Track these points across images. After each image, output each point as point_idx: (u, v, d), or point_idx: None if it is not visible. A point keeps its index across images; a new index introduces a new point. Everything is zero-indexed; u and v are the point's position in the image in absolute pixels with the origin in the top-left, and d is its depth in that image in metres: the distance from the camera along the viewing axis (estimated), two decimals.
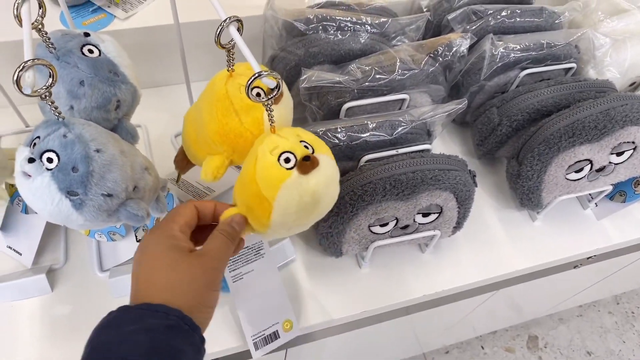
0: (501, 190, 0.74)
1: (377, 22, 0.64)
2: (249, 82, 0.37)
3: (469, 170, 0.60)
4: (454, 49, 0.62)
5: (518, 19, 0.70)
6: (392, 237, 0.60)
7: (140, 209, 0.43)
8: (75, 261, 0.60)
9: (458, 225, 0.62)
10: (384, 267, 0.64)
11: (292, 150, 0.39)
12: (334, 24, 0.62)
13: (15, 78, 0.33)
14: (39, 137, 0.39)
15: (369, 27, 0.63)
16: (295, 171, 0.39)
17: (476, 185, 0.61)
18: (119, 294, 0.58)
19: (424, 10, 0.72)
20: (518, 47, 0.67)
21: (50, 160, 0.38)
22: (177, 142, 0.70)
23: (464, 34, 0.63)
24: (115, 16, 0.66)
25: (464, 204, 0.60)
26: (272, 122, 0.40)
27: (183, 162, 0.53)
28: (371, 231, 0.58)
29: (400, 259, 0.65)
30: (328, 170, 0.41)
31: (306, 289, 0.62)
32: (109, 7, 0.67)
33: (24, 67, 0.33)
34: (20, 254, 0.58)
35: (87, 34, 0.45)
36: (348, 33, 0.62)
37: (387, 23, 0.64)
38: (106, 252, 0.60)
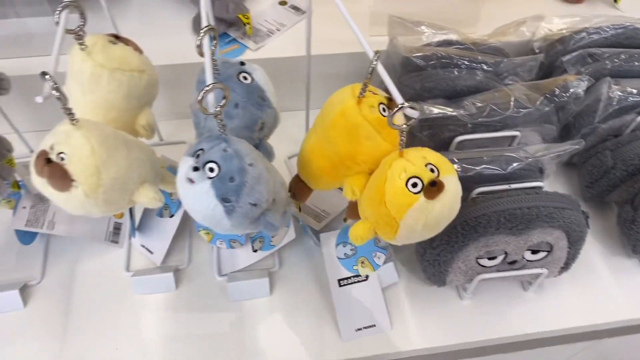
0: (610, 236, 0.71)
1: (491, 61, 0.67)
2: (393, 113, 0.41)
3: (582, 211, 0.59)
4: (571, 90, 0.63)
5: (636, 63, 0.69)
6: (498, 271, 0.60)
7: (276, 220, 0.48)
8: (197, 264, 0.66)
9: (566, 266, 0.62)
10: (485, 300, 0.65)
11: (419, 176, 0.42)
12: (450, 62, 0.65)
13: (199, 98, 0.39)
14: (202, 149, 0.44)
15: (484, 66, 0.66)
16: (422, 196, 0.42)
17: (588, 227, 0.60)
18: (234, 297, 0.63)
19: (537, 51, 0.73)
20: (635, 91, 0.67)
21: (212, 169, 0.43)
22: (290, 164, 0.75)
23: (581, 76, 0.64)
24: (247, 47, 0.74)
25: (574, 245, 0.59)
26: (402, 147, 0.44)
27: (302, 191, 0.57)
28: (478, 263, 0.59)
29: (501, 295, 0.65)
30: (452, 192, 0.44)
31: (405, 312, 0.63)
32: (242, 39, 0.75)
33: (208, 90, 0.39)
34: (152, 253, 0.65)
35: (242, 63, 0.51)
36: (464, 70, 0.65)
37: (502, 63, 0.66)
38: (225, 259, 0.66)
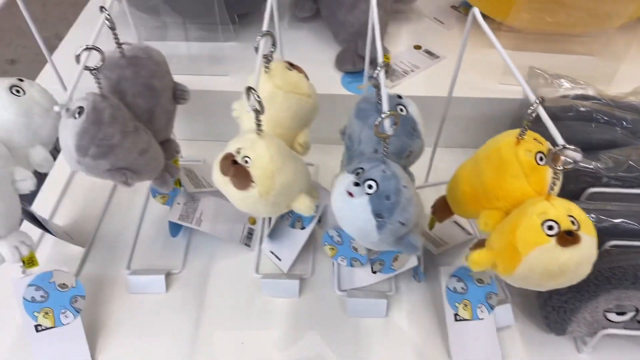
0: None
1: (629, 118, 0.67)
2: (554, 151, 0.43)
3: None
4: None
5: None
6: (625, 328, 0.59)
7: (418, 241, 0.51)
8: (319, 276, 0.70)
9: None
10: (604, 358, 0.63)
11: (557, 220, 0.44)
12: (588, 115, 0.67)
13: (377, 123, 0.45)
14: (362, 168, 0.50)
15: (623, 122, 0.66)
16: (554, 240, 0.43)
17: None
18: (352, 313, 0.66)
19: None
20: None
21: (370, 187, 0.48)
22: None
23: None
24: None
25: None
26: (552, 190, 0.46)
27: (444, 212, 0.61)
28: (605, 317, 0.58)
29: (624, 355, 0.63)
30: (586, 250, 0.44)
31: (520, 357, 0.63)
32: None
33: (386, 116, 0.45)
34: (280, 260, 0.71)
35: (399, 96, 0.57)
36: (601, 125, 0.66)
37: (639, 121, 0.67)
38: (344, 275, 0.70)
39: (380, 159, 0.50)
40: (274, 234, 0.73)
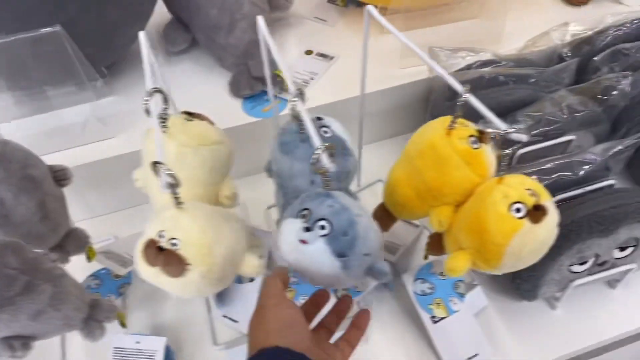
0: None
1: (534, 72, 0.69)
2: (502, 134, 0.41)
3: None
4: (617, 87, 0.65)
5: None
6: (590, 274, 0.60)
7: (385, 266, 0.47)
8: None
9: None
10: (576, 307, 0.64)
11: (522, 200, 0.43)
12: (495, 80, 0.67)
13: (317, 159, 0.40)
14: (307, 208, 0.44)
15: (530, 79, 0.67)
16: (526, 221, 0.42)
17: None
18: None
19: (564, 56, 0.76)
20: None
21: (323, 227, 0.43)
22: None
23: (624, 73, 0.66)
24: (287, 99, 0.75)
25: None
26: (501, 174, 0.45)
27: (387, 220, 0.57)
28: (570, 270, 0.59)
29: (590, 298, 0.65)
30: (554, 215, 0.44)
31: (502, 334, 0.63)
32: (280, 93, 0.76)
33: (321, 151, 0.40)
34: (237, 321, 0.64)
35: (319, 118, 0.52)
36: (510, 86, 0.67)
37: (544, 72, 0.69)
38: None
39: (324, 193, 0.45)
40: (221, 296, 0.65)
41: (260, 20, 0.53)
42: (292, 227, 0.44)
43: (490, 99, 0.66)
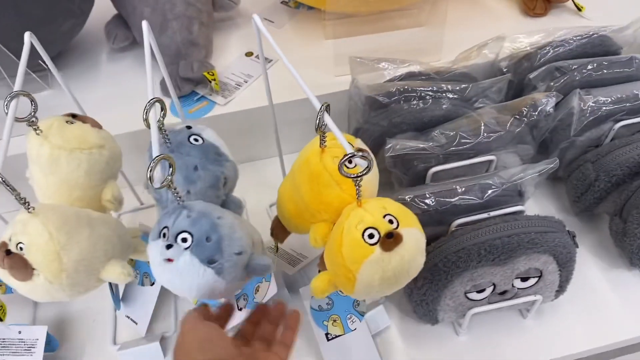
0: (606, 248, 0.69)
1: (457, 88, 0.66)
2: (342, 161, 0.40)
3: (568, 230, 0.57)
4: (539, 108, 0.62)
5: (606, 71, 0.68)
6: (490, 303, 0.58)
7: (264, 259, 0.46)
8: None
9: (561, 289, 0.59)
10: (482, 334, 0.62)
11: (375, 226, 0.41)
12: (414, 94, 0.65)
13: (149, 174, 0.38)
14: (166, 227, 0.43)
15: (450, 94, 0.65)
16: (378, 248, 0.41)
17: (577, 246, 0.58)
18: None
19: (504, 70, 0.73)
20: (609, 99, 0.66)
21: (184, 240, 0.42)
22: (272, 212, 0.75)
23: (549, 93, 0.63)
24: (216, 103, 0.75)
25: (565, 267, 0.57)
26: (359, 196, 0.43)
27: (282, 231, 0.56)
28: (467, 298, 0.57)
29: (499, 326, 0.63)
30: (411, 245, 0.42)
31: (401, 356, 0.61)
32: (210, 95, 0.76)
33: (154, 164, 0.39)
34: (136, 323, 0.64)
35: (189, 127, 0.51)
36: (430, 101, 0.64)
37: (468, 88, 0.66)
38: None
39: (179, 206, 0.44)
40: (126, 296, 0.65)
41: (256, 18, 0.52)
42: (155, 250, 0.43)
43: (407, 114, 0.64)
